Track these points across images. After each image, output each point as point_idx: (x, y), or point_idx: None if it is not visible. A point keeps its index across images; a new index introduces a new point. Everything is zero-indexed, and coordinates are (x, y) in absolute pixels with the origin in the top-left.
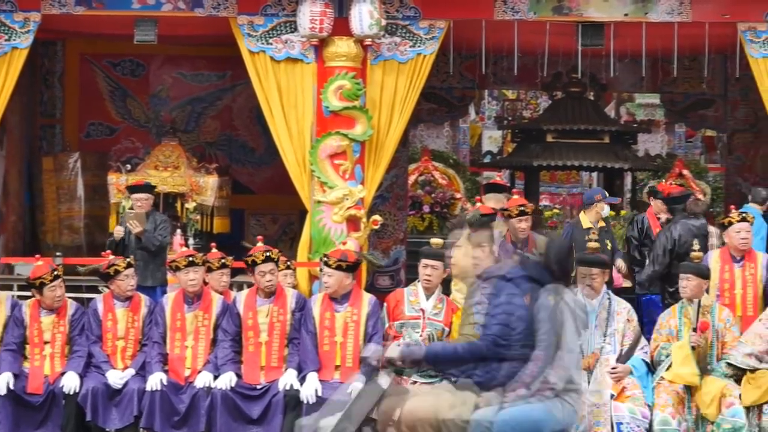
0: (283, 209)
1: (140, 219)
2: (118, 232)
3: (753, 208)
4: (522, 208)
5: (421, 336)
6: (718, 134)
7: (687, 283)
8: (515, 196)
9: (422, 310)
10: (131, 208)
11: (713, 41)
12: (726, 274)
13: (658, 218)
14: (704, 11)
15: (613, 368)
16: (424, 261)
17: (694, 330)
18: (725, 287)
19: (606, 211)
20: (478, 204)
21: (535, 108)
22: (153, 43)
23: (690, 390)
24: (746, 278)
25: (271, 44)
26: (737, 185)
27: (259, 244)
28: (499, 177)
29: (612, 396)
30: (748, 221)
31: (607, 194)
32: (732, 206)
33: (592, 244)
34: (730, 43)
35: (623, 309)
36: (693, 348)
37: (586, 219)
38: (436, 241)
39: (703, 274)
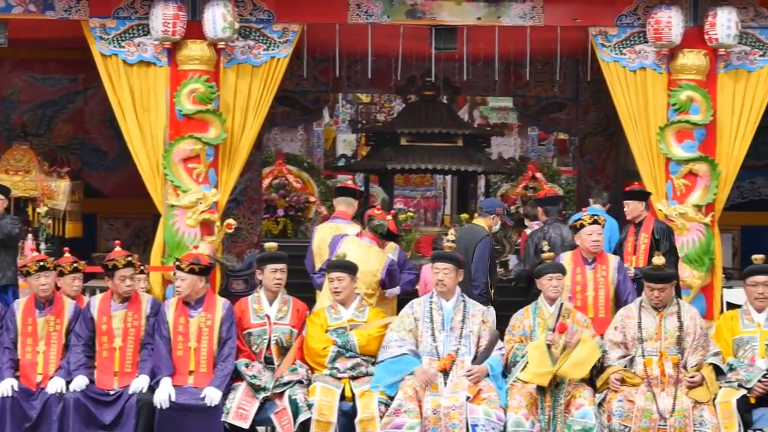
0: (136, 213)
1: None
2: None
3: (599, 209)
4: (381, 234)
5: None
6: (570, 137)
7: (558, 282)
8: (378, 211)
9: (267, 316)
10: None
11: (565, 45)
12: (578, 276)
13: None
14: (556, 15)
15: (469, 371)
16: (272, 266)
17: (552, 330)
18: (577, 289)
19: (498, 226)
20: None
21: (389, 111)
22: (3, 45)
23: (543, 391)
24: (598, 280)
25: (124, 47)
26: (589, 188)
27: (117, 248)
28: (351, 180)
29: (468, 398)
30: (599, 224)
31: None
32: (584, 209)
33: (448, 245)
34: (581, 47)
35: (478, 311)
36: (548, 346)
37: (482, 223)
38: (270, 244)
39: (564, 271)
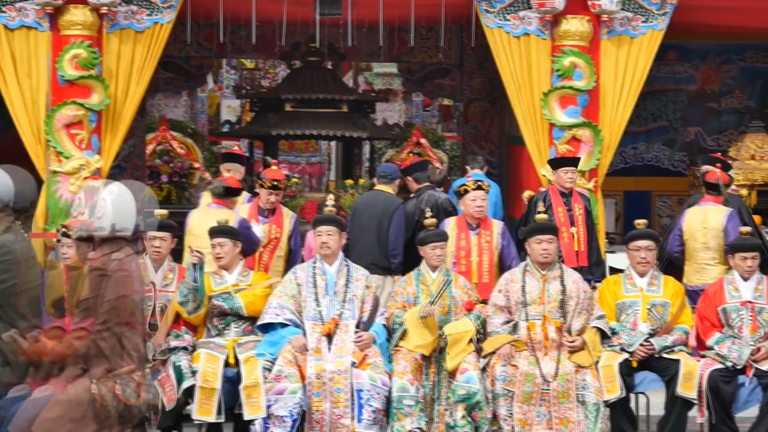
0: None
1: None
2: None
3: (481, 175)
4: (275, 183)
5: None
6: (454, 103)
7: (441, 251)
8: (274, 167)
9: (152, 283)
10: None
11: (449, 11)
12: (462, 242)
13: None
14: None
15: (358, 337)
16: (151, 233)
17: (432, 302)
18: (461, 254)
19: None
20: (227, 174)
21: (273, 77)
22: None
23: (428, 357)
24: (482, 246)
25: (5, 12)
26: (474, 154)
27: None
28: (237, 146)
29: (353, 363)
30: (483, 189)
31: None
32: (468, 174)
33: (329, 209)
34: (465, 13)
35: (362, 275)
36: (423, 317)
37: (390, 190)
38: (160, 212)
39: (447, 238)
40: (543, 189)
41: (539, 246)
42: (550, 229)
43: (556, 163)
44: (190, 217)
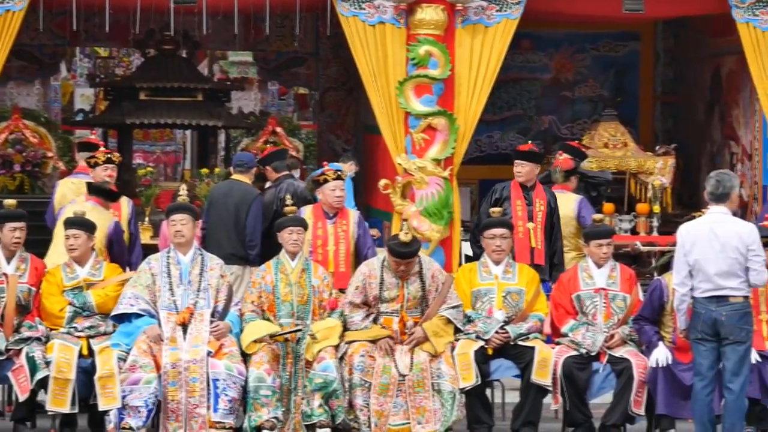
0: None
1: None
2: None
3: (337, 165)
4: (109, 156)
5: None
6: (310, 92)
7: (298, 236)
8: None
9: (5, 275)
10: None
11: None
12: (319, 231)
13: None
14: None
15: (215, 326)
16: (11, 224)
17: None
18: (318, 243)
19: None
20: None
21: (127, 66)
22: None
23: (285, 347)
24: (339, 235)
25: None
26: (330, 142)
27: None
28: (94, 135)
29: (209, 353)
30: (342, 179)
31: None
32: (325, 162)
33: (183, 197)
34: (321, 1)
35: (216, 264)
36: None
37: (247, 180)
38: (10, 201)
39: (306, 225)
40: (399, 178)
41: (398, 267)
42: (412, 254)
43: (517, 156)
44: (64, 211)
